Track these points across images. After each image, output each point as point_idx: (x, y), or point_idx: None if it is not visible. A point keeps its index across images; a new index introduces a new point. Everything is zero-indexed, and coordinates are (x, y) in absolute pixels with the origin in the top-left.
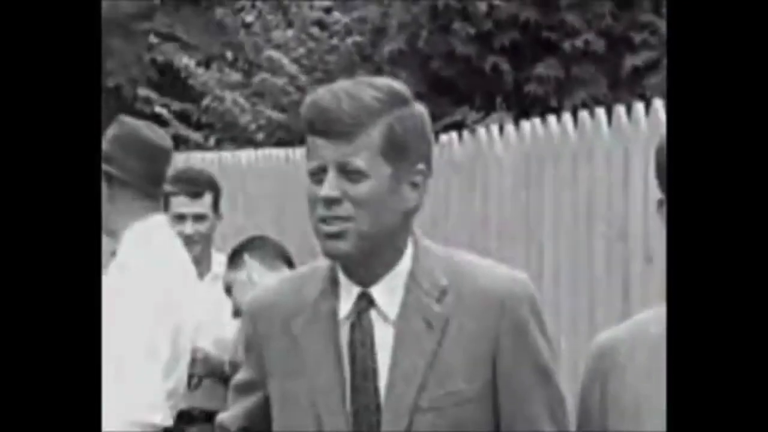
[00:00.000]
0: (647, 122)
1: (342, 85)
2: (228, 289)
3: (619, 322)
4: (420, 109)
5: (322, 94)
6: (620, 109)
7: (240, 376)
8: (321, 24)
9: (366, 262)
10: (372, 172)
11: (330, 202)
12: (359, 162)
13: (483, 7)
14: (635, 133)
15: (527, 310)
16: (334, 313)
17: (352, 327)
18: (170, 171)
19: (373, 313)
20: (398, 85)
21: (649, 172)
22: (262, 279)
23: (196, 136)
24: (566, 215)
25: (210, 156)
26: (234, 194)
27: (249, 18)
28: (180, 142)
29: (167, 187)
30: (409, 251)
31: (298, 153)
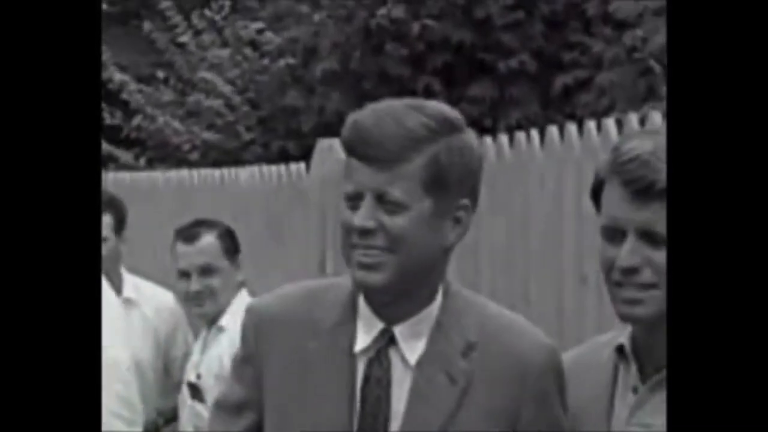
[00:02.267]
0: (580, 143)
1: (389, 106)
2: (195, 297)
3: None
4: (470, 138)
5: (365, 114)
6: (553, 130)
7: (229, 395)
8: (253, 44)
9: (397, 298)
10: (411, 204)
11: (365, 232)
12: (398, 193)
13: (416, 28)
14: (568, 153)
15: (552, 381)
16: (351, 345)
17: (370, 363)
18: None
19: (392, 353)
20: (450, 112)
21: (582, 192)
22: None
23: (126, 156)
24: (501, 234)
25: (141, 176)
26: (167, 214)
27: (184, 38)
28: (110, 161)
29: None
30: (439, 295)
31: (233, 173)
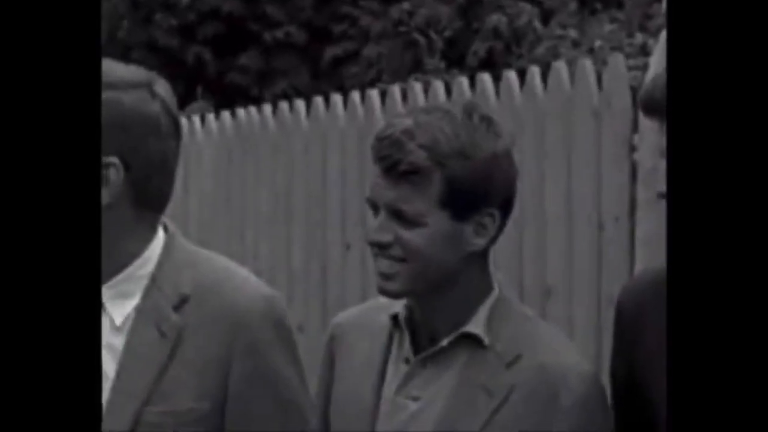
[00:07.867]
0: (345, 114)
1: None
2: None
3: (319, 307)
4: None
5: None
6: (318, 100)
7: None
8: None
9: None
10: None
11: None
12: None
13: None
14: (333, 123)
15: (270, 332)
16: None
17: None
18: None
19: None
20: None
21: (346, 162)
22: None
23: None
24: (266, 203)
25: None
26: None
27: None
28: None
29: None
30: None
31: None
